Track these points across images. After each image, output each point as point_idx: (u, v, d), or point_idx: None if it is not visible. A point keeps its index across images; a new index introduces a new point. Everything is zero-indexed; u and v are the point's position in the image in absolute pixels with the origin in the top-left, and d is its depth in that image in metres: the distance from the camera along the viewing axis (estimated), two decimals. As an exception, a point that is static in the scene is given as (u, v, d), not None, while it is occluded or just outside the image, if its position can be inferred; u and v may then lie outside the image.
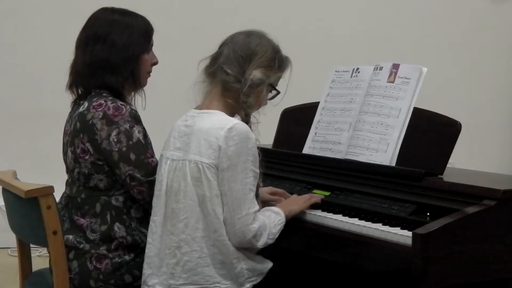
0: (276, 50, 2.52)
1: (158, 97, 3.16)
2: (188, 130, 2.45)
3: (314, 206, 2.65)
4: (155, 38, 2.71)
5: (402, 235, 2.32)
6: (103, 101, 2.55)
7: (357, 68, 2.92)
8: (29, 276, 2.70)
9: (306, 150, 2.96)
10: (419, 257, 2.20)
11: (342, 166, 2.77)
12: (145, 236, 2.55)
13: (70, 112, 2.70)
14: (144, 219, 2.59)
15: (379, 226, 2.42)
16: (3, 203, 2.65)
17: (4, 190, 2.59)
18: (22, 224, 2.56)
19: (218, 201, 2.37)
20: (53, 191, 2.39)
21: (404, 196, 2.54)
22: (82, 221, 2.57)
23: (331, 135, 2.88)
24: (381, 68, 2.81)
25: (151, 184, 2.52)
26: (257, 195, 2.43)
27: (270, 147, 3.13)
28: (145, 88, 2.76)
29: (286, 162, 2.98)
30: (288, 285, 2.73)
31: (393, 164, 2.64)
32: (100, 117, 2.53)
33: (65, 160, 2.67)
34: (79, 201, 2.59)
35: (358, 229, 2.46)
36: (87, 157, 2.56)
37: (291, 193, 2.75)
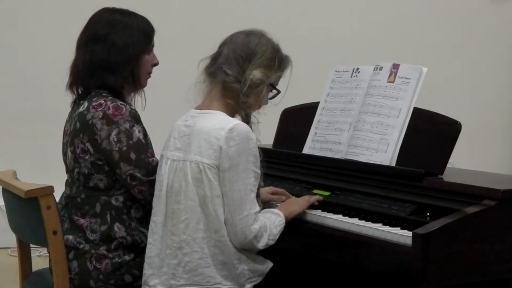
0: (276, 50, 2.52)
1: (158, 97, 3.16)
2: (189, 130, 2.45)
3: (314, 206, 2.65)
4: (155, 38, 2.71)
5: (402, 235, 2.32)
6: (103, 101, 2.55)
7: (357, 68, 2.92)
8: (29, 276, 2.70)
9: (306, 150, 2.96)
10: (419, 257, 2.20)
11: (342, 166, 2.77)
12: (145, 236, 2.55)
13: (70, 112, 2.70)
14: (144, 219, 2.59)
15: (379, 226, 2.42)
16: (3, 203, 2.65)
17: (4, 190, 2.59)
18: (22, 224, 2.56)
19: (219, 202, 2.36)
20: (53, 191, 2.39)
21: (404, 196, 2.54)
22: (82, 221, 2.57)
23: (331, 135, 2.88)
24: (381, 68, 2.81)
25: (152, 184, 2.52)
26: (257, 196, 2.43)
27: (270, 147, 3.13)
28: (145, 88, 2.76)
29: (286, 162, 2.98)
30: (288, 285, 2.73)
31: (393, 164, 2.64)
32: (100, 117, 2.53)
33: (65, 160, 2.67)
34: (79, 201, 2.59)
35: (358, 229, 2.46)
36: (87, 157, 2.56)
37: (291, 193, 2.75)
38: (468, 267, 2.30)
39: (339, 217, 2.55)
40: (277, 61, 2.50)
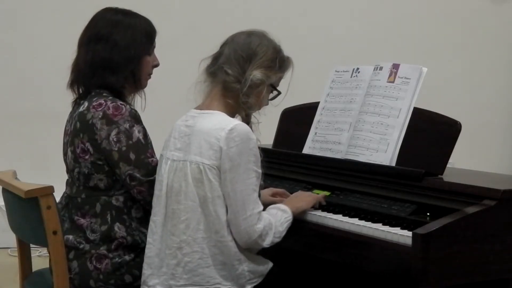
0: (277, 51, 2.52)
1: (158, 97, 3.16)
2: (189, 131, 2.45)
3: (314, 206, 2.64)
4: (156, 38, 2.71)
5: (402, 235, 2.32)
6: (103, 101, 2.55)
7: (357, 68, 2.92)
8: (29, 276, 2.70)
9: (306, 150, 2.96)
10: (419, 257, 2.20)
11: (342, 166, 2.77)
12: (145, 236, 2.54)
13: (71, 112, 2.70)
14: (145, 219, 2.59)
15: (379, 226, 2.42)
16: (3, 203, 2.65)
17: (4, 190, 2.59)
18: (22, 224, 2.56)
19: (220, 202, 2.36)
20: (53, 191, 2.39)
21: (404, 196, 2.54)
22: (82, 221, 2.57)
23: (331, 135, 2.88)
24: (381, 68, 2.81)
25: (151, 184, 2.52)
26: (259, 195, 2.42)
27: (270, 147, 3.13)
28: (145, 88, 2.76)
29: (286, 162, 2.98)
30: (288, 285, 2.73)
31: (393, 164, 2.64)
32: (100, 116, 2.53)
33: (65, 160, 2.68)
34: (79, 201, 2.59)
35: (358, 229, 2.46)
36: (87, 157, 2.56)
37: (291, 193, 2.75)
38: (468, 267, 2.30)
39: (339, 217, 2.55)
40: (278, 62, 2.50)
